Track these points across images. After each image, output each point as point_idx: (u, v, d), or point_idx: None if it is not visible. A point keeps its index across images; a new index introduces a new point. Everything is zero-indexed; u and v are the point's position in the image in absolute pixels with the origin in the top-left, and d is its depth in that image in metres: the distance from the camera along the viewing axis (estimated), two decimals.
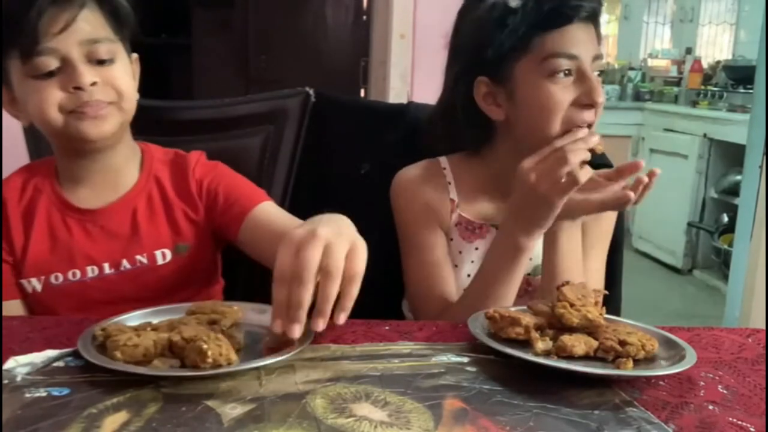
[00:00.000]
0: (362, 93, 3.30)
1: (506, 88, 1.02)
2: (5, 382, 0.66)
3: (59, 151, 1.04)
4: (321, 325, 0.72)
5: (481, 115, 1.05)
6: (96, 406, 0.62)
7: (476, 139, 1.10)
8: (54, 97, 0.95)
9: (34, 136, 1.24)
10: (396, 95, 2.70)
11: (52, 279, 1.02)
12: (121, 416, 0.60)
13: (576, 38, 0.98)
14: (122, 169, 1.06)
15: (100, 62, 0.97)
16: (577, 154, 0.92)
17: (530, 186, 0.93)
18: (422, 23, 2.62)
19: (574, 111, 0.98)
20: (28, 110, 0.98)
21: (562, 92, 0.98)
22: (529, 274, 1.08)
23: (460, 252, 1.09)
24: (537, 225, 0.95)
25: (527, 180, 0.93)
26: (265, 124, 1.32)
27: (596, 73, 1.00)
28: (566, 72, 0.98)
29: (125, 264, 1.03)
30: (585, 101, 0.98)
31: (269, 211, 1.06)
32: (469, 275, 1.07)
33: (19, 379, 0.67)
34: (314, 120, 1.33)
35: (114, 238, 1.04)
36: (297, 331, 0.71)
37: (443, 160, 1.13)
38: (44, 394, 0.64)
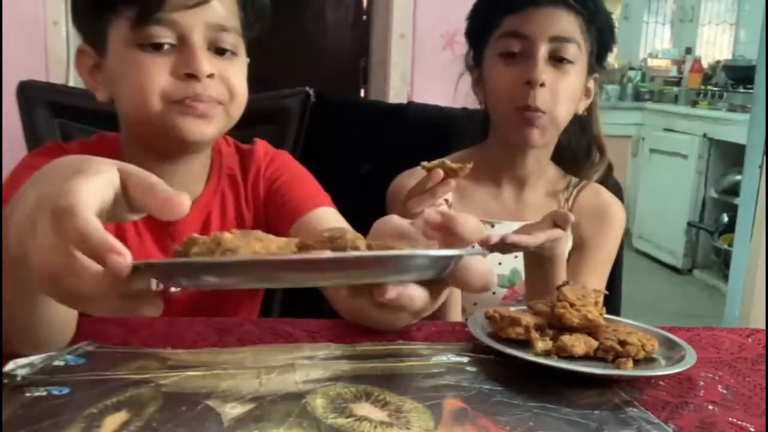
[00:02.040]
0: (362, 93, 3.30)
1: (481, 73, 1.08)
2: (5, 382, 0.66)
3: (136, 146, 0.90)
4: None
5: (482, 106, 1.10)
6: (96, 406, 0.62)
7: (473, 131, 1.13)
8: (159, 80, 0.81)
9: (34, 137, 1.23)
10: (396, 95, 2.70)
11: None
12: (121, 416, 0.60)
13: (531, 18, 1.00)
14: (195, 177, 0.94)
15: (221, 53, 0.84)
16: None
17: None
18: (422, 23, 2.62)
19: (518, 89, 1.00)
20: (121, 86, 0.84)
21: (508, 72, 1.01)
22: (513, 284, 1.08)
23: None
24: None
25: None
26: (265, 124, 1.32)
27: (562, 60, 1.01)
28: (515, 54, 1.01)
29: None
30: (524, 78, 0.99)
31: (327, 217, 0.94)
32: None
33: (19, 379, 0.66)
34: (314, 120, 1.33)
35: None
36: None
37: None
38: (44, 394, 0.64)
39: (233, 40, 0.85)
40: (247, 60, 0.94)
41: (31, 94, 1.26)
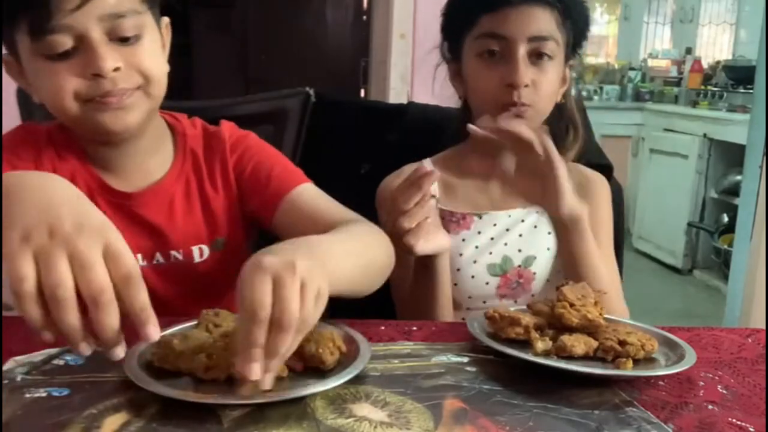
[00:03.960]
0: (362, 93, 3.30)
1: (460, 67, 1.09)
2: (5, 382, 0.66)
3: (80, 136, 0.91)
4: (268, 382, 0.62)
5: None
6: (96, 406, 0.62)
7: (457, 126, 1.12)
8: (69, 84, 0.81)
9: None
10: (396, 95, 2.70)
11: None
12: (121, 416, 0.60)
13: (509, 19, 1.00)
14: (153, 152, 0.94)
15: (124, 40, 0.82)
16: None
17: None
18: (422, 23, 2.62)
19: (501, 90, 1.01)
20: (40, 92, 0.85)
21: (488, 72, 1.02)
22: (520, 266, 1.09)
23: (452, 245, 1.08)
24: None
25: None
26: (265, 124, 1.32)
27: (541, 55, 1.01)
28: (494, 53, 1.01)
29: (159, 258, 0.94)
30: (506, 81, 1.00)
31: (310, 194, 0.95)
32: (459, 269, 1.07)
33: (19, 379, 0.67)
34: (314, 120, 1.33)
35: (148, 228, 0.93)
36: (269, 382, 0.62)
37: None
38: (44, 394, 0.64)
39: (134, 23, 0.83)
40: (166, 20, 0.92)
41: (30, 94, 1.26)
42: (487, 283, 1.07)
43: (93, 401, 0.63)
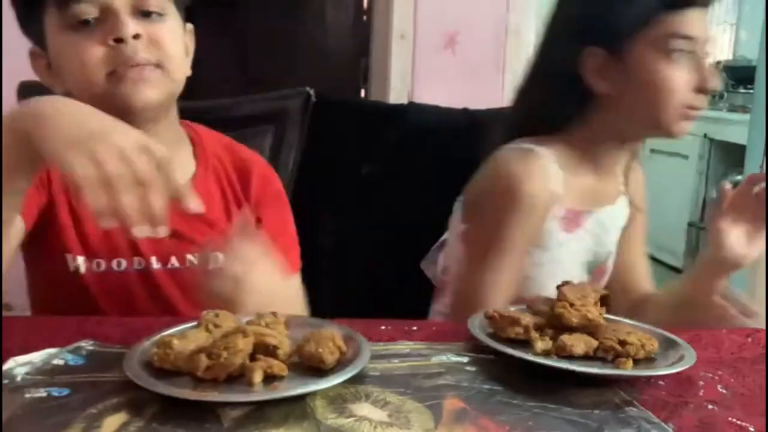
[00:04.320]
0: (362, 93, 3.30)
1: (621, 63, 1.01)
2: (5, 382, 0.66)
3: None
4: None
5: (580, 87, 1.02)
6: (96, 406, 0.62)
7: (569, 112, 1.05)
8: (93, 52, 0.84)
9: None
10: (396, 95, 2.70)
11: (94, 265, 0.92)
12: (121, 416, 0.60)
13: (695, 20, 0.99)
14: (170, 148, 0.96)
15: (146, 15, 0.87)
16: None
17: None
18: (422, 23, 2.62)
19: (689, 95, 0.99)
20: (65, 72, 0.88)
21: (680, 74, 0.99)
22: (602, 263, 1.10)
23: (561, 245, 1.05)
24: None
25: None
26: (265, 124, 1.32)
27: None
28: (684, 54, 0.98)
29: (174, 262, 0.95)
30: (701, 85, 0.98)
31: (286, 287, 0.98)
32: (565, 269, 1.03)
33: (19, 379, 0.66)
34: (315, 120, 1.33)
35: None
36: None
37: (540, 149, 1.03)
38: (44, 394, 0.64)
39: (158, 2, 0.87)
40: (190, 27, 0.96)
41: (31, 94, 1.26)
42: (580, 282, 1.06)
43: (93, 401, 0.63)
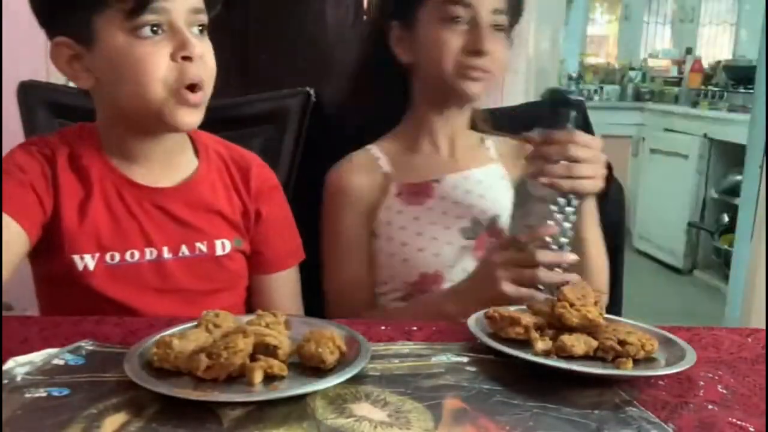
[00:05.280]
0: None
1: (411, 32, 1.09)
2: (5, 382, 0.66)
3: (118, 125, 0.95)
4: None
5: (397, 69, 1.11)
6: (96, 406, 0.62)
7: (395, 94, 1.14)
8: (160, 65, 0.86)
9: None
10: None
11: (108, 258, 0.93)
12: (121, 416, 0.60)
13: None
14: (176, 151, 0.99)
15: (200, 30, 0.90)
16: (552, 279, 0.93)
17: (492, 279, 0.94)
18: None
19: (465, 57, 1.04)
20: (119, 74, 0.88)
21: (452, 38, 1.04)
22: (489, 228, 1.11)
23: (417, 218, 1.10)
24: (471, 304, 0.90)
25: (492, 274, 0.94)
26: (265, 124, 1.32)
27: (496, 25, 1.05)
28: (458, 19, 1.04)
29: (184, 250, 0.97)
30: (472, 47, 1.04)
31: (285, 282, 1.06)
32: (435, 238, 1.09)
33: (19, 379, 0.67)
34: (315, 120, 1.33)
35: (174, 221, 0.97)
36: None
37: (368, 145, 1.16)
38: (44, 394, 0.64)
39: (205, 19, 0.92)
40: None
41: (31, 94, 1.26)
42: (464, 247, 1.08)
43: (93, 401, 0.63)
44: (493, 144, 1.18)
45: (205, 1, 0.93)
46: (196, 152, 1.03)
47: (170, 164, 0.99)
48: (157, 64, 0.87)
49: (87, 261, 0.93)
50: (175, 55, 0.87)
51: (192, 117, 0.91)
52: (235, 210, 1.02)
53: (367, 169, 1.13)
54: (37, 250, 0.91)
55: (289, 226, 1.09)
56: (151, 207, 0.96)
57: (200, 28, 0.91)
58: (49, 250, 0.92)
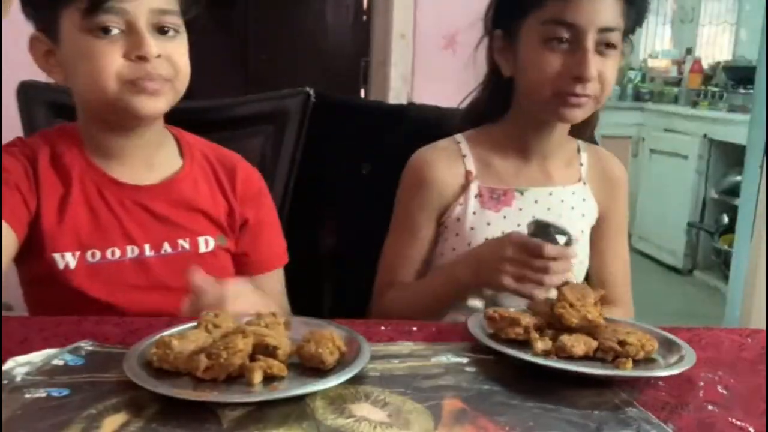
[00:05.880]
0: (362, 93, 3.29)
1: (513, 45, 1.05)
2: (5, 382, 0.66)
3: (92, 122, 0.96)
4: None
5: (501, 76, 1.08)
6: (96, 407, 0.62)
7: (495, 102, 1.11)
8: (114, 64, 0.88)
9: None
10: (396, 95, 2.70)
11: (89, 256, 0.94)
12: (120, 417, 0.60)
13: (581, 9, 0.97)
14: (157, 148, 1.01)
15: (163, 33, 0.91)
16: (556, 279, 0.92)
17: (496, 269, 0.94)
18: (422, 23, 2.62)
19: (565, 82, 0.99)
20: (77, 70, 0.91)
21: (553, 60, 0.99)
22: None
23: (489, 224, 1.08)
24: (478, 273, 0.97)
25: (498, 264, 0.94)
26: (265, 124, 1.32)
27: (607, 45, 0.99)
28: (561, 40, 0.98)
29: (166, 247, 0.98)
30: (573, 73, 0.98)
31: (270, 282, 1.07)
32: None
33: (18, 379, 0.66)
34: (314, 120, 1.33)
35: (156, 219, 0.98)
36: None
37: (458, 136, 1.13)
38: (44, 395, 0.64)
39: (174, 21, 0.92)
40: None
41: (31, 94, 1.26)
42: None
43: (93, 401, 0.63)
44: (587, 160, 1.15)
45: (181, 3, 0.94)
46: (181, 152, 1.04)
47: (152, 162, 1.00)
48: (111, 61, 0.88)
49: (68, 259, 0.93)
50: (129, 54, 0.89)
51: (151, 103, 0.91)
52: (219, 209, 1.03)
53: (451, 162, 1.10)
54: (21, 250, 0.92)
55: (275, 230, 1.10)
56: (133, 205, 0.97)
57: (167, 29, 0.91)
58: (31, 250, 0.93)
